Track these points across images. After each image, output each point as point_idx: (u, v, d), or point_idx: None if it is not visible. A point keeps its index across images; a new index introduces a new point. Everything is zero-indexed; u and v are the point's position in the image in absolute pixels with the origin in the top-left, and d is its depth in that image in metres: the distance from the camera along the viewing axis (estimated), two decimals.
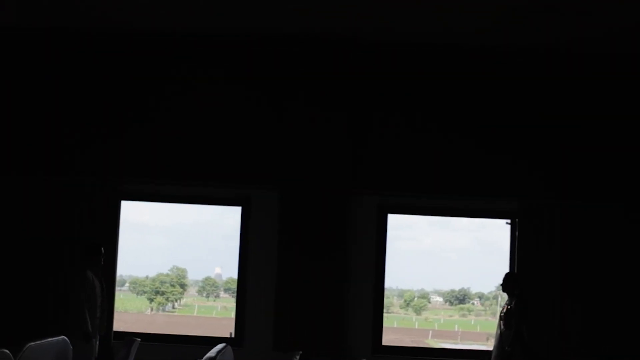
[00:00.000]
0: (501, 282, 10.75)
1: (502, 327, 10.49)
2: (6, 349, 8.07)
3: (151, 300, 27.21)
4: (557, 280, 11.47)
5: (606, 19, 10.35)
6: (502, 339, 10.43)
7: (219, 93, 11.80)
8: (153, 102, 11.81)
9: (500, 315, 10.58)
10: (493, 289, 16.28)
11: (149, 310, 27.42)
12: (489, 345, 15.63)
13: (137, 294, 27.27)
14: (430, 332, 25.27)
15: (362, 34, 11.42)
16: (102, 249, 10.70)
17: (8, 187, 11.72)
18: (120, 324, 11.18)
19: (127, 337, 10.11)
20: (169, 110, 11.77)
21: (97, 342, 10.65)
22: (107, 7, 10.86)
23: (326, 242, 11.36)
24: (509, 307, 10.49)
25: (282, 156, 11.54)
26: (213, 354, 8.06)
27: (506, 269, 11.86)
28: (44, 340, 9.04)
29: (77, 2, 10.69)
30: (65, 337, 9.59)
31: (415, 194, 11.83)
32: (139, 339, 10.02)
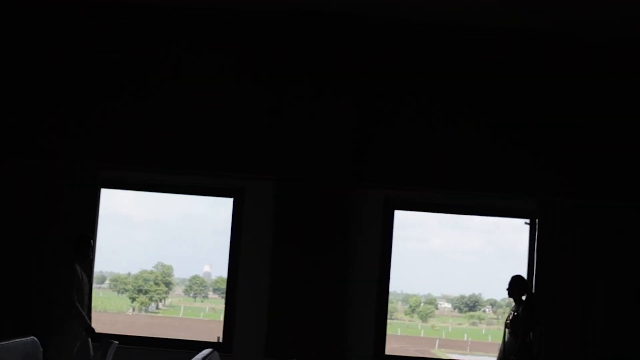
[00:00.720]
0: (507, 286, 10.66)
1: (507, 335, 10.45)
2: None
3: (133, 299, 27.10)
4: (578, 285, 11.41)
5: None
6: (507, 348, 10.40)
7: (213, 75, 11.79)
8: (139, 83, 11.78)
9: (506, 323, 10.57)
10: (506, 295, 16.15)
11: (131, 310, 27.31)
12: None
13: (118, 292, 27.18)
14: (437, 341, 25.16)
15: (371, 14, 11.42)
16: (92, 241, 10.70)
17: None
18: (98, 324, 11.04)
19: (104, 339, 10.02)
20: (156, 92, 11.75)
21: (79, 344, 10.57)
22: None
23: (326, 240, 11.32)
24: (515, 313, 10.46)
25: (280, 144, 11.50)
26: None
27: (521, 272, 11.62)
28: (12, 341, 8.97)
29: None
30: (34, 338, 9.51)
31: (425, 189, 11.77)
32: (116, 342, 9.96)
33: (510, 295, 10.65)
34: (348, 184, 11.42)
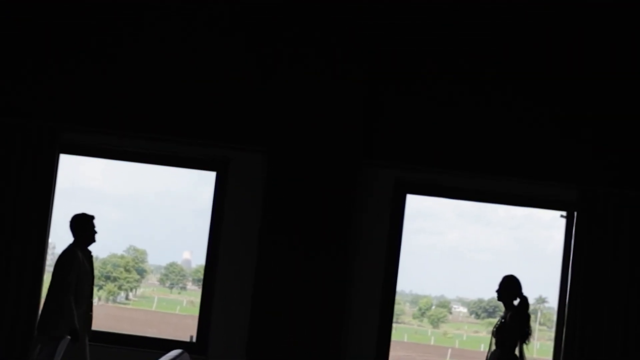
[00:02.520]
0: (497, 287, 10.48)
1: (493, 345, 10.30)
2: None
3: (100, 287, 26.83)
4: (623, 288, 11.10)
5: None
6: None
7: (197, 28, 11.59)
8: (111, 34, 11.57)
9: (493, 331, 10.41)
10: (532, 301, 15.97)
11: (96, 299, 27.12)
12: None
13: None
14: (450, 350, 24.94)
15: None
16: (94, 222, 10.55)
17: None
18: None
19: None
20: (131, 46, 11.57)
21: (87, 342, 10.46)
22: None
23: (324, 227, 11.04)
24: (503, 320, 10.33)
25: (273, 110, 11.25)
26: None
27: (552, 277, 11.69)
28: None
29: None
30: None
31: (443, 171, 11.49)
32: (68, 337, 9.74)
33: (499, 298, 10.42)
34: (352, 161, 11.14)
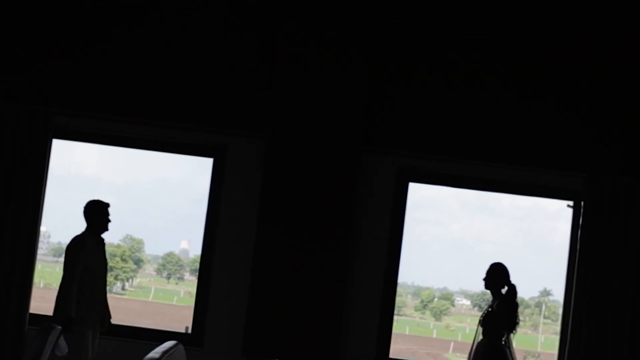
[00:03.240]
0: (484, 275, 10.39)
1: (479, 335, 10.23)
2: None
3: None
4: (630, 279, 11.00)
5: None
6: (477, 351, 10.20)
7: (192, 9, 11.47)
8: (104, 17, 11.44)
9: (480, 320, 10.34)
10: (536, 293, 16.03)
11: None
12: None
13: None
14: (452, 343, 24.77)
15: None
16: (108, 209, 10.42)
17: None
18: (50, 304, 10.70)
19: (45, 324, 9.59)
20: (122, 28, 11.45)
21: (97, 336, 10.37)
22: None
23: (323, 215, 10.94)
24: (490, 309, 10.23)
25: (272, 95, 11.12)
26: (156, 356, 7.74)
27: (558, 269, 11.77)
28: None
29: None
30: None
31: (447, 159, 11.39)
32: (59, 327, 9.50)
33: (486, 287, 10.35)
34: (353, 148, 11.03)
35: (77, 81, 11.32)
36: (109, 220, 10.43)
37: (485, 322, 10.14)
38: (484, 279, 10.30)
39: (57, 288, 10.26)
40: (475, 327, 10.36)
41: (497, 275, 10.26)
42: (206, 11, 11.39)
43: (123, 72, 11.33)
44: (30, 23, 11.36)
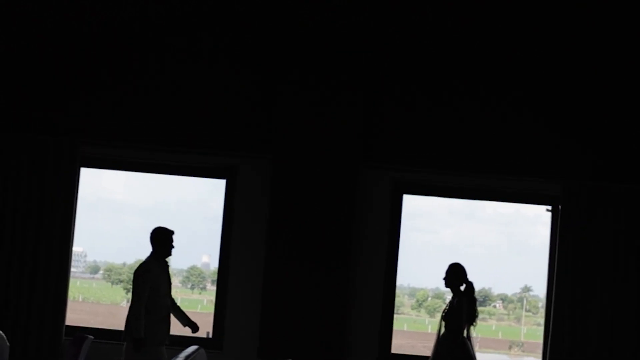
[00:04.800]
0: (444, 275, 10.11)
1: (442, 328, 9.96)
2: None
3: (128, 290, 26.53)
4: (607, 275, 10.77)
5: None
6: (441, 342, 9.91)
7: (205, 47, 11.27)
8: (124, 56, 11.23)
9: (442, 315, 10.06)
10: (518, 290, 15.95)
11: (125, 301, 26.82)
12: (511, 355, 15.20)
13: (112, 283, 26.92)
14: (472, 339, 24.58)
15: None
16: (173, 236, 10.07)
17: None
18: (91, 316, 10.49)
19: (78, 334, 9.56)
20: (140, 66, 11.24)
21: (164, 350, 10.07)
22: None
23: (327, 226, 10.73)
24: (451, 305, 9.98)
25: (277, 120, 10.94)
26: None
27: (537, 268, 11.62)
28: None
29: None
30: (1, 333, 8.90)
31: (437, 172, 11.19)
32: (91, 337, 9.46)
33: (446, 285, 10.11)
34: (353, 165, 10.85)
35: (102, 114, 11.12)
36: (173, 247, 10.11)
37: (447, 317, 9.88)
38: (444, 279, 10.07)
39: (109, 303, 9.99)
40: (439, 322, 10.07)
41: (455, 275, 10.00)
42: (218, 53, 11.19)
43: (144, 105, 11.12)
44: (58, 63, 11.14)
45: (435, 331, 10.21)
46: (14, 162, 10.88)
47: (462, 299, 9.83)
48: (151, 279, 9.79)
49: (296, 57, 10.89)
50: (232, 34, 11.17)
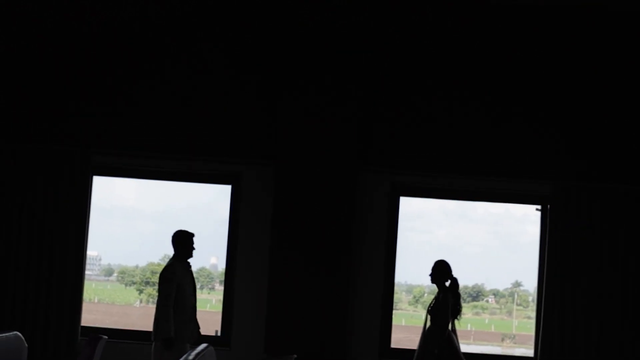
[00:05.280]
0: (430, 271, 10.03)
1: (428, 323, 9.89)
2: None
3: (140, 291, 26.37)
4: (594, 270, 10.71)
5: None
6: (427, 335, 9.82)
7: (209, 59, 11.16)
8: (134, 70, 11.14)
9: (428, 310, 9.97)
10: (509, 285, 15.97)
11: (138, 302, 26.64)
12: (504, 346, 15.16)
13: (126, 284, 26.73)
14: (457, 332, 24.42)
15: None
16: (193, 239, 10.03)
17: None
18: (106, 316, 10.42)
19: (92, 334, 9.33)
20: (149, 78, 11.13)
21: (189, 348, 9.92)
22: None
23: (328, 228, 10.63)
24: (436, 300, 9.89)
25: (279, 128, 10.82)
26: (190, 357, 7.41)
27: (526, 264, 11.50)
28: None
29: None
30: (18, 333, 8.73)
31: (432, 175, 11.11)
32: (105, 337, 9.26)
33: (432, 281, 10.05)
34: (352, 170, 10.74)
35: (113, 125, 11.01)
36: (194, 248, 10.05)
37: (433, 311, 9.79)
38: (430, 275, 10.01)
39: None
40: (424, 316, 10.02)
41: (441, 271, 9.94)
42: (221, 64, 11.08)
43: (152, 115, 11.02)
44: (71, 80, 11.04)
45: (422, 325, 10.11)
46: (31, 171, 10.81)
47: (448, 294, 9.75)
48: (177, 280, 9.72)
49: (296, 68, 10.77)
50: (235, 49, 11.08)
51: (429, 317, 9.84)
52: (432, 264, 9.97)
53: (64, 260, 10.67)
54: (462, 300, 9.94)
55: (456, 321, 9.81)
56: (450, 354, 9.61)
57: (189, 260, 9.99)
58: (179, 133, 10.98)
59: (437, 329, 9.66)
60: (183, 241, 9.93)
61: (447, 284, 9.87)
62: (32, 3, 11.12)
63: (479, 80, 10.99)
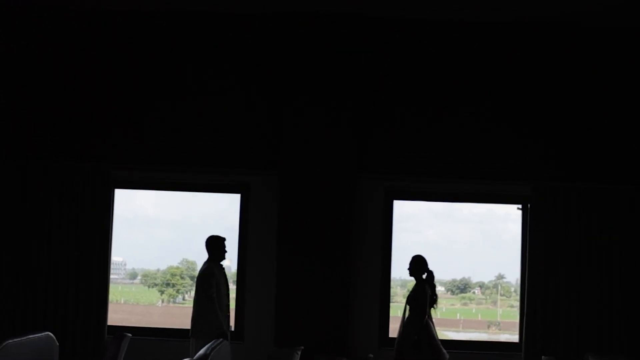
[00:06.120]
0: (408, 266, 9.92)
1: (407, 312, 9.74)
2: None
3: (162, 292, 26.28)
4: (571, 263, 10.59)
5: None
6: (407, 324, 9.67)
7: (218, 80, 11.02)
8: (149, 91, 11.01)
9: (407, 300, 9.84)
10: (493, 278, 15.85)
11: (160, 302, 26.53)
12: (490, 333, 15.02)
13: (149, 286, 26.65)
14: (434, 320, 24.33)
15: (365, 14, 10.64)
16: (225, 242, 10.03)
17: None
18: (132, 316, 10.36)
19: (118, 333, 9.33)
20: (165, 99, 11.00)
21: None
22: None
23: (330, 230, 10.53)
24: (415, 291, 9.77)
25: (284, 142, 10.70)
26: (205, 351, 7.30)
27: (508, 258, 11.38)
28: (24, 338, 8.02)
29: None
30: (50, 334, 8.58)
31: (422, 180, 10.98)
32: (129, 334, 9.27)
33: (410, 274, 9.92)
34: (350, 177, 10.62)
35: (131, 143, 10.90)
36: (226, 251, 10.03)
37: (411, 301, 9.66)
38: (408, 269, 9.89)
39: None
40: (404, 306, 9.83)
41: (418, 265, 9.82)
42: (229, 86, 10.93)
43: (167, 133, 10.89)
44: (94, 103, 10.92)
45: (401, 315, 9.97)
46: (59, 185, 10.70)
47: (425, 286, 9.63)
48: (216, 279, 9.69)
49: (295, 86, 10.67)
50: (242, 73, 10.95)
51: (407, 307, 9.70)
52: (426, 260, 9.87)
53: (90, 266, 10.57)
54: (437, 291, 9.85)
55: (432, 309, 9.71)
56: (427, 337, 9.50)
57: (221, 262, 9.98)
58: (193, 148, 10.85)
59: (416, 317, 9.52)
60: (216, 245, 9.90)
61: (424, 276, 9.75)
62: (61, 33, 11.02)
63: (462, 94, 10.83)
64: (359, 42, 10.73)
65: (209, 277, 9.69)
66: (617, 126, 10.74)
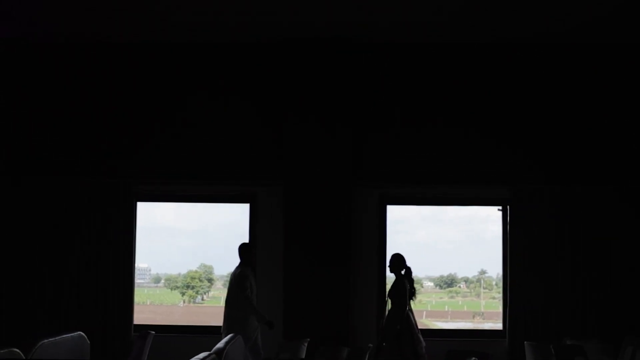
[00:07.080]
0: (388, 263, 9.70)
1: (389, 305, 9.54)
2: (19, 347, 7.03)
3: (183, 294, 26.21)
4: (549, 258, 10.48)
5: (589, 8, 9.40)
6: (390, 316, 9.41)
7: (225, 100, 10.89)
8: (160, 109, 10.90)
9: (388, 294, 9.62)
10: (476, 273, 15.81)
11: (182, 302, 26.46)
12: (474, 322, 14.92)
13: (171, 289, 26.59)
14: (424, 312, 24.19)
15: (359, 35, 10.49)
16: (254, 250, 10.21)
17: (18, 188, 10.77)
18: (157, 316, 10.23)
19: (142, 331, 9.22)
20: (178, 121, 10.87)
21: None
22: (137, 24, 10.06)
23: (329, 234, 10.40)
24: (395, 286, 9.52)
25: (286, 155, 10.57)
26: (222, 345, 7.38)
27: (489, 256, 11.26)
28: (58, 337, 7.92)
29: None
30: (82, 333, 8.46)
31: (413, 186, 10.86)
32: (153, 332, 9.13)
33: (391, 271, 9.70)
34: (347, 185, 10.51)
35: (152, 159, 10.77)
36: (254, 255, 10.14)
37: (392, 295, 9.45)
38: (388, 266, 9.67)
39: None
40: (386, 300, 9.67)
41: (397, 262, 9.59)
42: (236, 108, 10.80)
43: (182, 150, 10.75)
44: (115, 127, 10.81)
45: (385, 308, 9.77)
46: (86, 200, 10.62)
47: (404, 280, 9.44)
48: (249, 281, 9.65)
49: (297, 104, 10.55)
50: (248, 96, 10.83)
51: (389, 300, 9.52)
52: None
53: (116, 271, 10.48)
54: (415, 285, 9.61)
55: (412, 302, 9.51)
56: (408, 327, 9.31)
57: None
58: (205, 164, 10.73)
59: (398, 309, 9.32)
60: (248, 251, 9.86)
61: (403, 272, 9.56)
62: (91, 65, 10.91)
63: (447, 109, 10.70)
64: (352, 65, 10.61)
65: (244, 280, 9.63)
66: (588, 133, 10.61)
